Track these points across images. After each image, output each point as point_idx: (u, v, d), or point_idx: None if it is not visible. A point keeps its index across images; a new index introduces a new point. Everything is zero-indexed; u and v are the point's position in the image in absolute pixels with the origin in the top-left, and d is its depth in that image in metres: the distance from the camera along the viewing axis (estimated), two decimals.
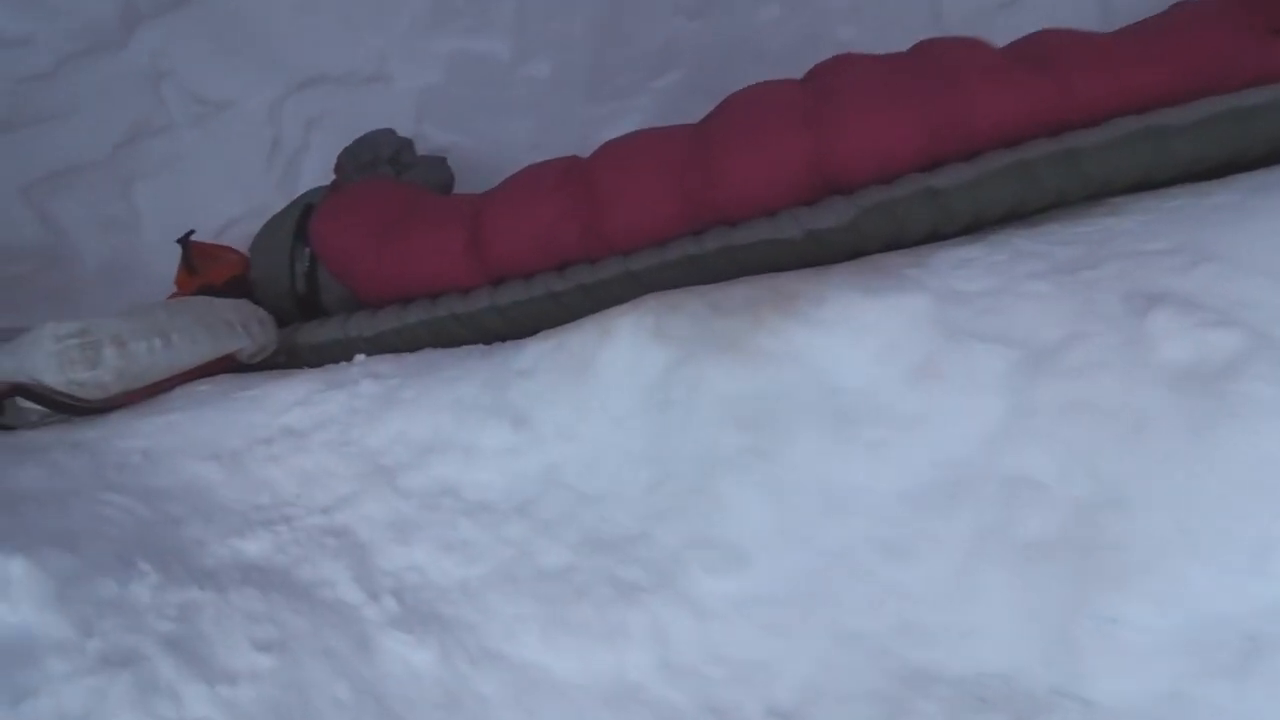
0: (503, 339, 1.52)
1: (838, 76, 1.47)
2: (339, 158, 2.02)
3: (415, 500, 1.09)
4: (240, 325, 1.42)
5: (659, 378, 1.13)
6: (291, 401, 1.30)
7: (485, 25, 2.43)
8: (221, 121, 2.07)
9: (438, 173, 2.06)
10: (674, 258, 1.37)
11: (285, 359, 1.64)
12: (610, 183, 1.48)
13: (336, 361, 1.56)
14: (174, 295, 1.79)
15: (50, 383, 1.09)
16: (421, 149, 2.40)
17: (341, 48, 2.23)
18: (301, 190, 2.24)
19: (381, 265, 1.61)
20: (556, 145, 2.68)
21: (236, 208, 2.10)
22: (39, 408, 1.11)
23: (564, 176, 1.55)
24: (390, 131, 2.07)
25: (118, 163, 1.91)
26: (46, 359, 1.09)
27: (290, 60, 2.17)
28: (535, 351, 1.31)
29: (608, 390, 1.16)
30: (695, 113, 2.56)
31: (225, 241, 2.10)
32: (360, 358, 1.51)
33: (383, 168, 1.94)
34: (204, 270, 1.80)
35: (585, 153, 2.47)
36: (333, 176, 2.30)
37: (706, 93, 2.46)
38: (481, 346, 1.49)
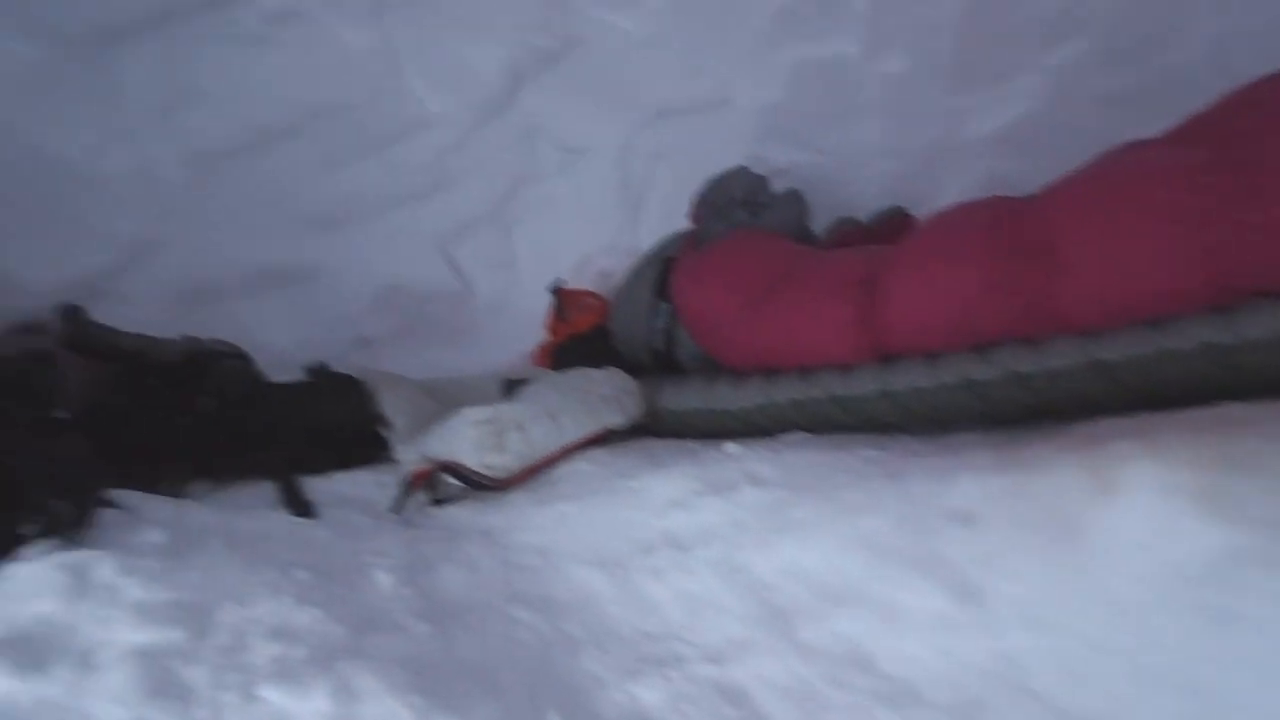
0: (889, 430, 1.26)
1: None
2: (694, 205, 1.93)
3: (818, 665, 0.87)
4: (615, 400, 1.44)
5: (1208, 571, 0.75)
6: (669, 501, 1.17)
7: (832, 27, 2.19)
8: (581, 166, 2.20)
9: (793, 209, 1.88)
10: (1178, 347, 0.90)
11: (649, 421, 1.55)
12: (1082, 235, 1.01)
13: (699, 432, 1.47)
14: (546, 343, 1.92)
15: (468, 464, 1.23)
16: (761, 169, 2.26)
17: (685, 78, 2.21)
18: (647, 223, 2.29)
19: (749, 334, 1.43)
20: (912, 147, 2.32)
21: (592, 245, 2.21)
22: (460, 484, 1.26)
23: (994, 229, 1.14)
24: (743, 171, 1.95)
25: (502, 212, 2.14)
26: (464, 443, 1.23)
27: (640, 98, 2.21)
28: (975, 489, 0.96)
29: (1109, 571, 0.81)
30: (1107, 90, 1.96)
31: (583, 278, 2.24)
32: (731, 447, 1.31)
33: (737, 212, 1.82)
34: (571, 317, 1.87)
35: (950, 150, 2.07)
36: (673, 205, 2.30)
37: (1125, 61, 1.85)
38: (880, 461, 1.16)
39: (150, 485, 1.06)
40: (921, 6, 2.10)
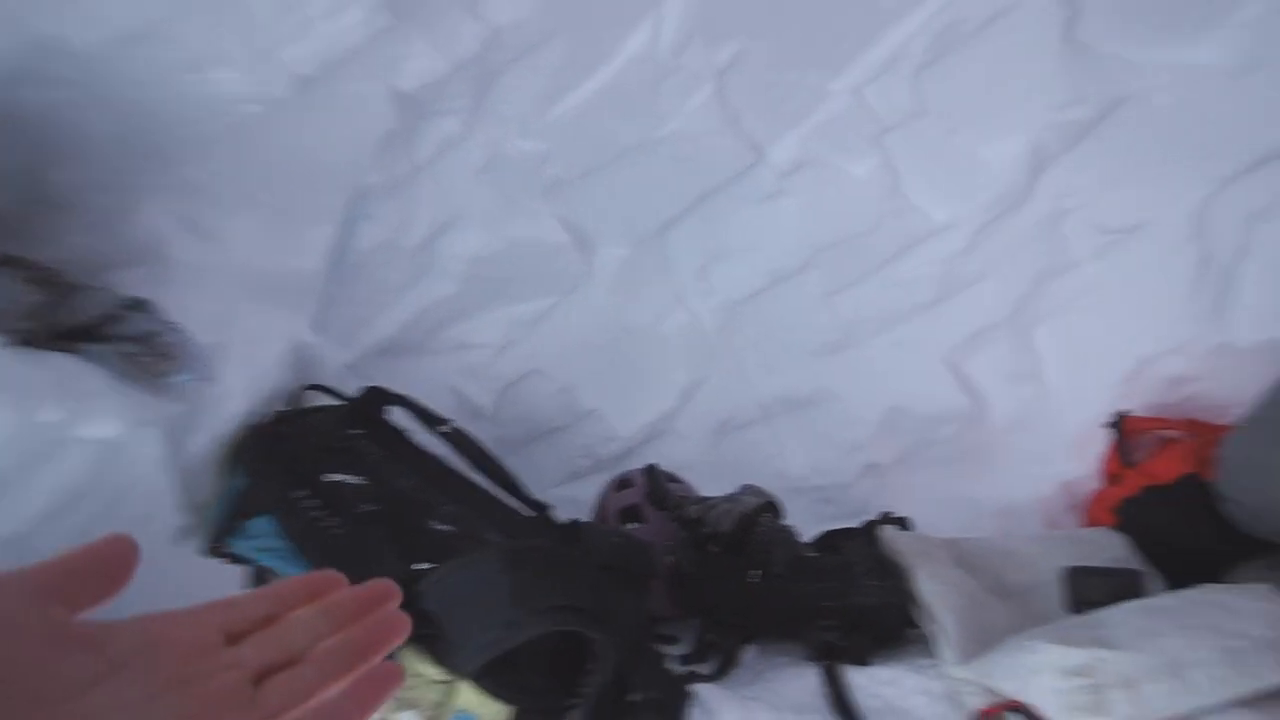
0: None
1: None
2: None
3: None
4: (1273, 645, 0.88)
5: None
6: None
7: None
8: (1131, 247, 1.63)
9: None
10: None
11: None
12: None
13: None
14: (1107, 492, 1.34)
15: (1046, 716, 0.90)
16: None
17: None
18: (1242, 308, 1.57)
19: None
20: None
21: (1154, 344, 1.61)
22: None
23: None
24: None
25: (1021, 315, 1.73)
26: (1046, 694, 0.90)
27: (1219, 148, 1.54)
28: None
29: None
30: None
31: (1142, 389, 1.64)
32: None
33: None
34: (1142, 460, 1.27)
35: None
36: None
37: None
38: None
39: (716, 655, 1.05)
40: None
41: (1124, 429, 1.41)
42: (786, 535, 1.35)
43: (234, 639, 0.25)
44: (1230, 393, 1.46)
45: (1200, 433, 1.21)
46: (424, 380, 1.60)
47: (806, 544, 1.39)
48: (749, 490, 1.44)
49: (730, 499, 1.38)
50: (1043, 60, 1.52)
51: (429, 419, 1.13)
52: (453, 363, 1.71)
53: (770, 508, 1.40)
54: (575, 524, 1.10)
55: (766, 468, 1.78)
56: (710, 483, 1.59)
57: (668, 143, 1.66)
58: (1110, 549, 1.27)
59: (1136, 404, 1.62)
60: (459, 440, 1.12)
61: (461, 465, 1.17)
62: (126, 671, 0.21)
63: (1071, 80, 1.53)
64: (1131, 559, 1.25)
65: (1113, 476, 1.28)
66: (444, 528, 1.15)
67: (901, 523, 1.58)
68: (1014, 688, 0.93)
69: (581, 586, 0.93)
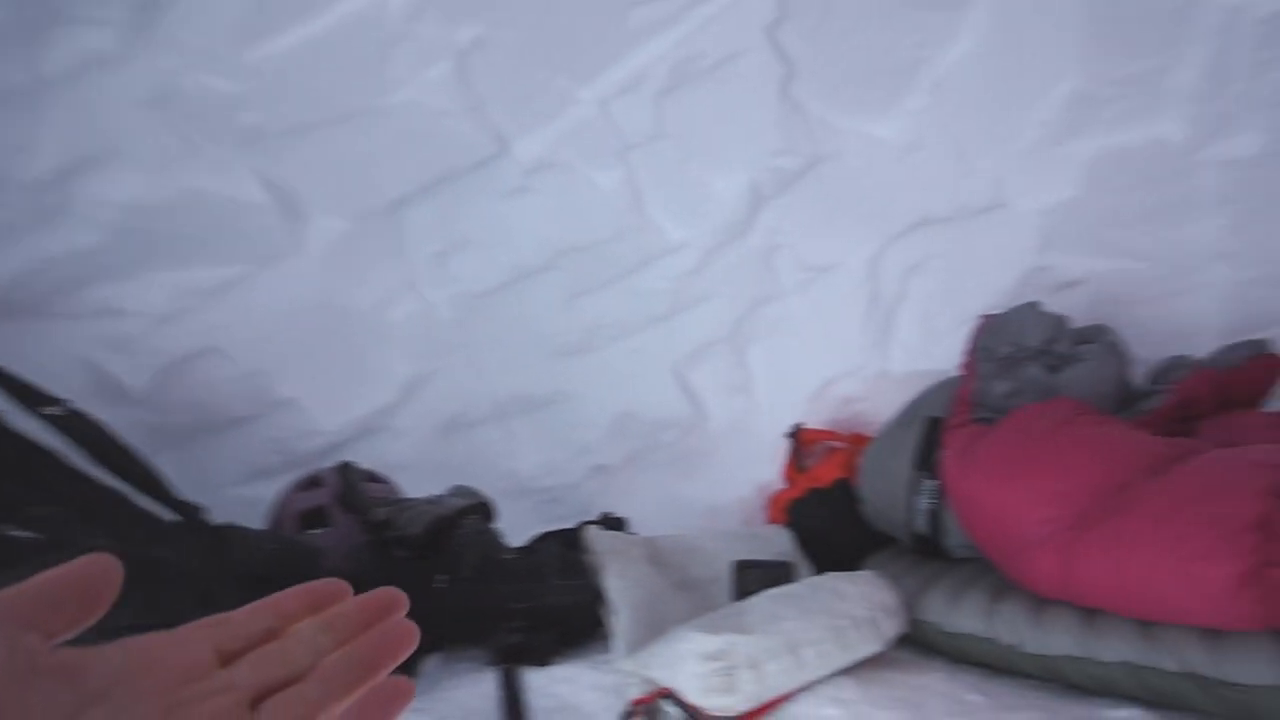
0: None
1: None
2: (968, 350, 1.39)
3: None
4: (870, 624, 1.03)
5: None
6: None
7: (1147, 108, 1.63)
8: (823, 283, 1.87)
9: (1108, 367, 1.28)
10: None
11: (910, 633, 1.12)
12: None
13: (976, 663, 1.05)
14: (780, 495, 1.49)
15: (690, 699, 0.94)
16: (1046, 282, 1.73)
17: (950, 182, 1.78)
18: (900, 344, 1.87)
19: (1066, 564, 0.95)
20: (1264, 247, 1.64)
21: (834, 368, 1.85)
22: (679, 711, 0.98)
23: None
24: (1033, 309, 1.37)
25: (738, 335, 1.88)
26: (689, 678, 0.94)
27: (893, 209, 1.83)
28: None
29: None
30: None
31: (823, 404, 1.88)
32: None
33: (1029, 369, 1.26)
34: (811, 467, 1.47)
35: None
36: (932, 324, 1.86)
37: None
38: None
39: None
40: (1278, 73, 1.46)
41: (799, 439, 1.58)
42: (487, 538, 1.28)
43: (228, 659, 0.23)
44: (887, 412, 1.73)
45: (859, 444, 1.39)
46: (46, 349, 1.24)
47: (514, 547, 1.34)
48: (458, 491, 1.35)
49: (432, 501, 1.27)
50: (764, 109, 1.67)
51: (31, 396, 0.86)
52: (91, 331, 1.35)
53: (479, 509, 1.32)
54: (220, 530, 0.91)
55: (496, 467, 1.70)
56: (431, 483, 1.46)
57: (398, 114, 1.51)
58: (778, 544, 1.42)
59: (819, 418, 1.84)
60: (73, 425, 0.86)
61: (74, 457, 0.91)
62: (107, 703, 0.20)
63: (785, 132, 1.70)
64: (793, 553, 1.40)
65: (788, 480, 1.42)
66: (24, 534, 0.89)
67: (619, 523, 1.60)
68: (666, 675, 0.97)
69: (189, 602, 0.76)
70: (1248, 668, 0.80)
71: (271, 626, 0.24)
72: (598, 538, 1.23)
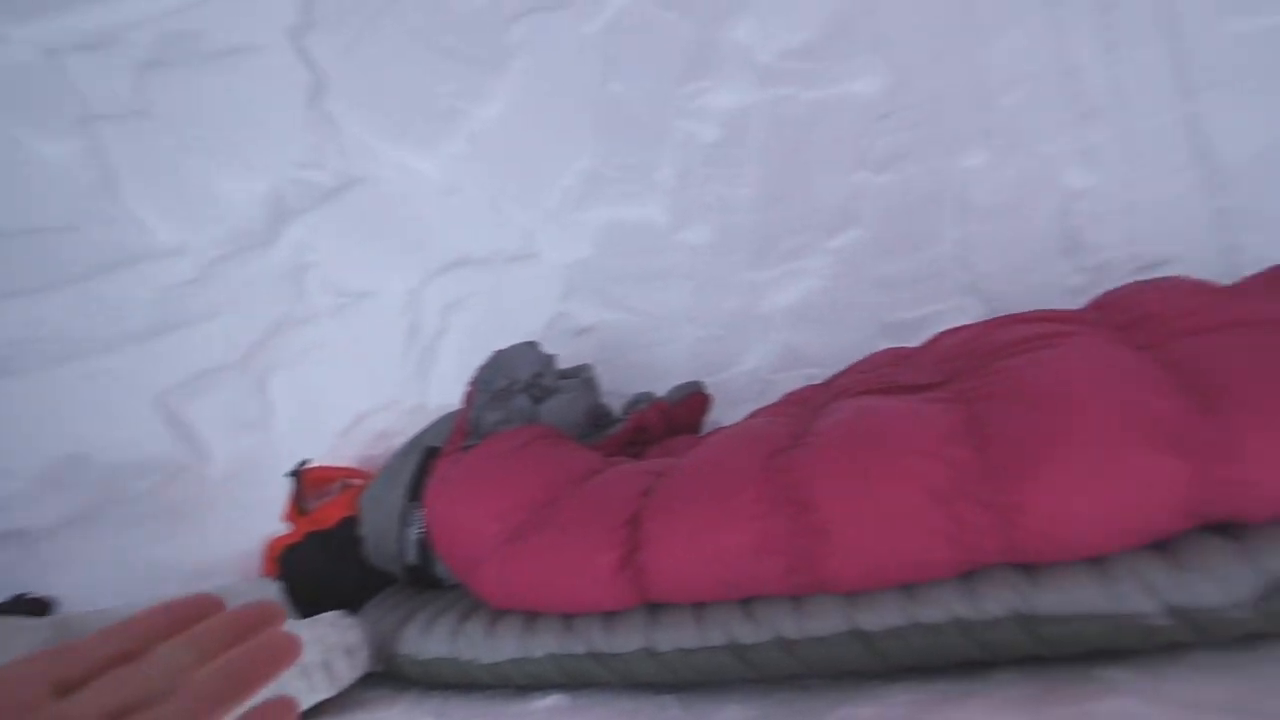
0: (658, 689, 0.94)
1: (1209, 355, 0.75)
2: (470, 382, 1.46)
3: None
4: (322, 667, 0.90)
5: None
6: None
7: (640, 194, 1.99)
8: (361, 310, 1.76)
9: (582, 396, 1.45)
10: (933, 620, 0.75)
11: (384, 668, 1.08)
12: (839, 507, 0.82)
13: (448, 685, 1.04)
14: (280, 537, 1.37)
15: None
16: (567, 327, 1.94)
17: (488, 228, 1.89)
18: (440, 378, 1.87)
19: (507, 573, 1.01)
20: (716, 314, 2.12)
21: (369, 401, 1.74)
22: None
23: (766, 482, 0.89)
24: (530, 347, 1.51)
25: (253, 361, 1.62)
26: None
27: (435, 244, 1.85)
28: None
29: None
30: (877, 272, 1.86)
31: (355, 442, 1.75)
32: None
33: (518, 400, 1.36)
34: (314, 509, 1.37)
35: (750, 319, 1.89)
36: (471, 359, 1.91)
37: (889, 250, 1.78)
38: None
39: None
40: (720, 187, 1.97)
41: (303, 479, 1.41)
42: None
43: (67, 689, 0.23)
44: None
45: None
46: None
47: None
48: None
49: None
50: (288, 114, 1.53)
51: None
52: None
53: None
54: None
55: None
56: None
57: None
58: (260, 597, 1.21)
59: (348, 455, 1.69)
60: None
61: None
62: None
63: (315, 144, 1.58)
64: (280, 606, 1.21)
65: (291, 518, 1.23)
66: None
67: (41, 605, 1.18)
68: None
69: None
70: (623, 645, 0.92)
71: (126, 649, 0.25)
72: None
